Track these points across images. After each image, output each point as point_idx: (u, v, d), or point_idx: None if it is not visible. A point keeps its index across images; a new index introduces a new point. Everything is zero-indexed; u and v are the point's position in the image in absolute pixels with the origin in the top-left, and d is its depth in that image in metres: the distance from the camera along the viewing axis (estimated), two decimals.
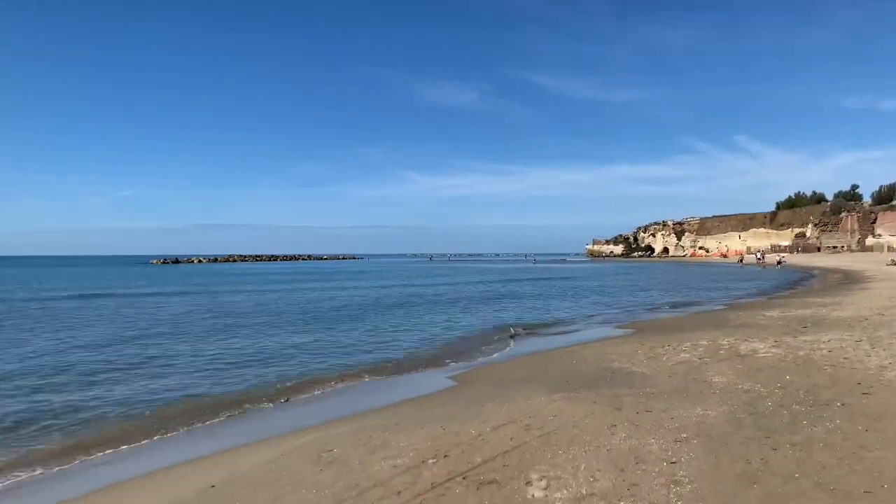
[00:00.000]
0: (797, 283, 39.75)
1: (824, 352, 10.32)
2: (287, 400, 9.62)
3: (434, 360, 12.67)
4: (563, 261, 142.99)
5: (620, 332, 16.08)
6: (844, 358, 9.63)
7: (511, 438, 6.35)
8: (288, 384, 10.56)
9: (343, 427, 7.41)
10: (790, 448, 5.64)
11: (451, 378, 10.68)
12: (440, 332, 17.13)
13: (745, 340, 12.21)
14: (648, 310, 23.48)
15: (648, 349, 11.87)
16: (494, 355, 13.15)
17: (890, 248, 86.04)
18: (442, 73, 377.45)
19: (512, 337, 15.87)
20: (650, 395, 8.03)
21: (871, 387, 7.67)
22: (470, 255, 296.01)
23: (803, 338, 12.06)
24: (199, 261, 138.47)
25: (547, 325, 18.27)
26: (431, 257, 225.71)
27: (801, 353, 10.28)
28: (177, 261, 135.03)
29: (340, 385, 10.64)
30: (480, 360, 12.66)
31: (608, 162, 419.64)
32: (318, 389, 10.30)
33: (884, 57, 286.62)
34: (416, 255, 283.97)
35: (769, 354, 10.43)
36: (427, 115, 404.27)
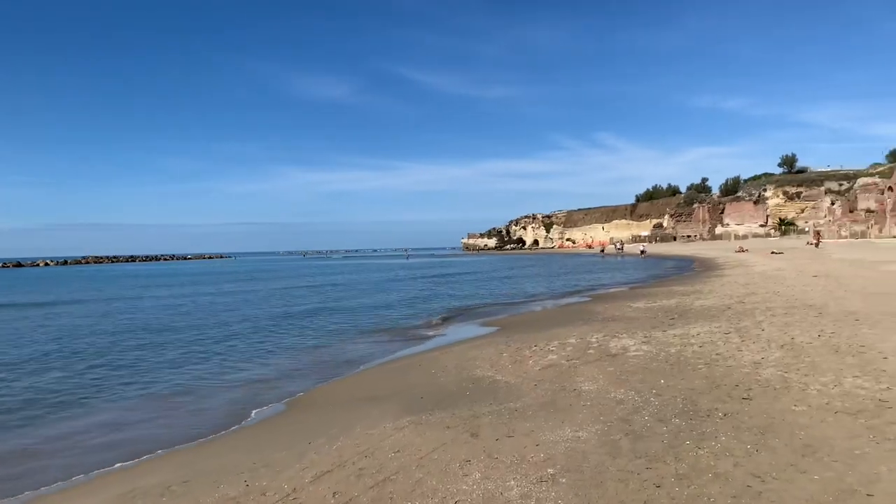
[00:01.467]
0: (659, 271, 41.24)
1: (695, 347, 9.67)
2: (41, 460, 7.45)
3: (268, 381, 10.60)
4: (433, 255, 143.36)
5: (486, 330, 15.01)
6: (717, 354, 8.97)
7: (335, 494, 4.84)
8: (47, 431, 8.05)
9: (106, 490, 5.54)
10: (675, 482, 4.56)
11: (284, 403, 8.90)
12: (288, 344, 14.74)
13: (615, 336, 11.46)
14: (517, 303, 22.85)
15: (514, 351, 10.79)
16: (345, 369, 11.44)
17: (736, 237, 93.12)
18: (315, 66, 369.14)
19: (371, 343, 14.34)
20: (514, 413, 6.81)
21: (750, 389, 6.89)
22: (347, 251, 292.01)
23: (672, 332, 11.48)
24: (46, 263, 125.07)
25: (408, 329, 16.70)
26: (305, 254, 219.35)
27: (672, 351, 9.56)
28: (19, 264, 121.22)
29: (116, 422, 8.41)
30: (327, 376, 10.82)
31: (483, 157, 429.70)
32: (88, 430, 8.01)
33: (726, 61, 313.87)
34: (290, 253, 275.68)
35: (640, 353, 9.63)
36: (303, 108, 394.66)
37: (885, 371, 7.09)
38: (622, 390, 7.41)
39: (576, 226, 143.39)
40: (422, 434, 6.32)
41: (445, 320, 18.18)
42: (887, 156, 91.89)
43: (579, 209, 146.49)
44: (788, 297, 15.77)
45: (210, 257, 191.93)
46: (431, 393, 8.28)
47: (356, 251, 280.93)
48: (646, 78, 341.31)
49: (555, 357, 9.89)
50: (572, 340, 11.37)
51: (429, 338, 14.77)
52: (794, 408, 6.07)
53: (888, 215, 58.08)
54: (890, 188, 59.71)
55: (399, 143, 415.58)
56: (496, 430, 6.25)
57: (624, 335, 11.52)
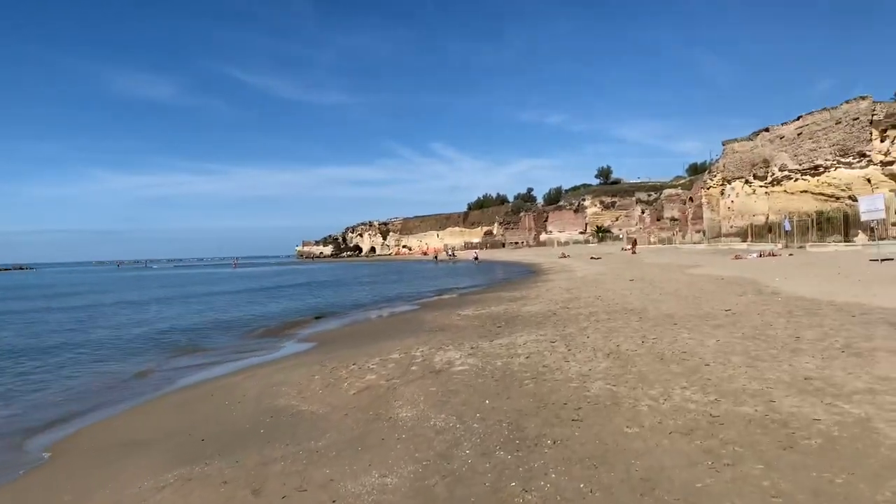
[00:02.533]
0: (489, 277, 41.89)
1: (522, 359, 9.01)
2: None
3: (18, 424, 8.33)
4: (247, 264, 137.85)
5: (304, 347, 13.58)
6: (544, 366, 8.35)
7: None
8: None
9: None
10: None
11: (46, 451, 6.87)
12: (56, 376, 11.86)
13: (441, 349, 10.60)
14: (344, 313, 21.52)
15: (329, 372, 9.53)
16: (124, 402, 9.40)
17: (559, 243, 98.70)
18: (134, 61, 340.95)
19: (167, 371, 12.33)
20: (313, 456, 5.58)
21: (579, 408, 6.22)
22: (170, 260, 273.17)
23: (499, 341, 10.84)
24: None
25: (214, 349, 14.49)
26: (119, 264, 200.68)
27: (498, 364, 8.82)
28: None
29: None
30: (95, 415, 8.72)
31: (318, 163, 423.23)
32: None
33: (548, 78, 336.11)
34: (102, 263, 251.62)
35: (465, 367, 8.80)
36: (120, 107, 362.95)
37: (709, 380, 6.77)
38: (443, 416, 6.45)
39: (412, 233, 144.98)
40: (188, 495, 4.89)
41: (262, 336, 16.39)
42: (687, 169, 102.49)
43: (415, 217, 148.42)
44: (609, 301, 16.00)
45: (6, 269, 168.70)
46: (217, 432, 6.78)
47: (180, 260, 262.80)
48: (477, 91, 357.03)
49: (373, 377, 8.77)
50: (396, 355, 10.33)
51: (237, 358, 12.93)
52: (626, 430, 5.43)
53: (689, 223, 64.21)
54: (690, 199, 66.12)
55: (229, 146, 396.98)
56: (286, 482, 4.98)
57: (450, 347, 10.70)
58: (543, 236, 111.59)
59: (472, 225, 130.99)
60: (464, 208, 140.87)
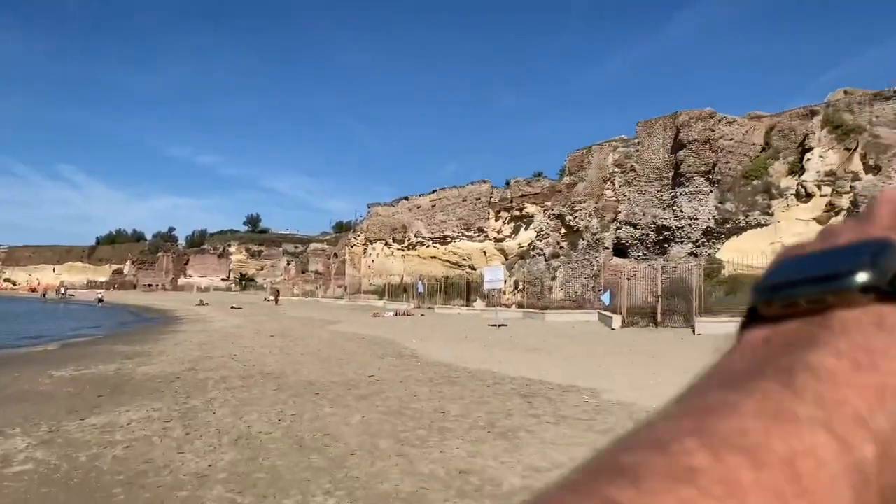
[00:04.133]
0: (110, 323, 36.12)
1: (119, 450, 6.73)
2: None
3: None
4: None
5: None
6: (147, 462, 6.25)
7: None
8: None
9: None
10: None
11: None
12: None
13: (1, 433, 7.60)
14: None
15: None
16: None
17: (199, 289, 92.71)
18: None
19: None
20: None
21: None
22: None
23: (94, 420, 8.24)
24: None
25: None
26: None
27: (82, 459, 6.41)
28: None
29: None
30: None
31: None
32: None
33: (205, 117, 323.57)
34: None
35: (29, 466, 6.18)
36: None
37: (357, 478, 5.61)
38: None
39: (19, 265, 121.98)
40: None
41: None
42: (333, 226, 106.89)
43: (25, 246, 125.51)
44: (246, 362, 14.24)
45: None
46: None
47: None
48: (122, 116, 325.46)
49: None
50: None
51: None
52: None
53: (332, 278, 65.96)
54: (335, 255, 68.23)
55: None
56: None
57: (16, 430, 7.71)
58: (182, 280, 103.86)
59: (100, 261, 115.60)
60: (91, 242, 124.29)
